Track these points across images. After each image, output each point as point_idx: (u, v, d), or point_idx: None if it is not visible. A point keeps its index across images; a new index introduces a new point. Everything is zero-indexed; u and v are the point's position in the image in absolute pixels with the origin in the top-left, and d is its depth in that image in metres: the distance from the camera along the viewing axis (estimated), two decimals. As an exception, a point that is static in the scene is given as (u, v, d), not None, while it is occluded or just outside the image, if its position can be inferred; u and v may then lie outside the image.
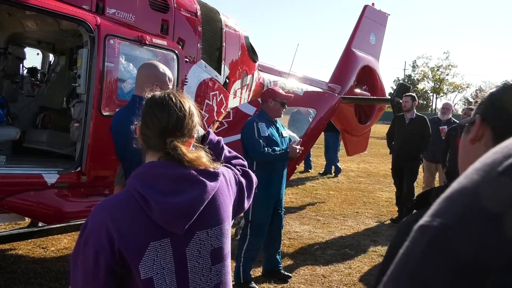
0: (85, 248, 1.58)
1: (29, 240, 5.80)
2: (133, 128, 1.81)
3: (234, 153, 2.23)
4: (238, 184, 1.98)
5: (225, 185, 1.84)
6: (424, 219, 0.60)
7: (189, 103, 1.80)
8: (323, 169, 13.68)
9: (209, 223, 1.75)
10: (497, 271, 0.52)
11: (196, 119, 1.80)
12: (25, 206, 4.44)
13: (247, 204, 2.04)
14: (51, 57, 6.91)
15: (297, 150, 5.04)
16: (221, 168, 1.82)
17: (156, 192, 1.61)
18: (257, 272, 5.51)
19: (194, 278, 1.71)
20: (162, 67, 3.46)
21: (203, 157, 1.73)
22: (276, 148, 4.99)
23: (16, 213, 4.57)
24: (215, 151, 1.99)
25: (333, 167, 13.52)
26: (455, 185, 0.60)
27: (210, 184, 1.71)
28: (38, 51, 6.80)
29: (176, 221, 1.63)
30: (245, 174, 2.07)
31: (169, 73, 3.46)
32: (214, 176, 1.75)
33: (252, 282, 5.14)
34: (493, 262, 0.53)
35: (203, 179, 1.70)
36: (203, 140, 2.05)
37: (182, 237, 1.67)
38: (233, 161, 2.13)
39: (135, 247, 1.59)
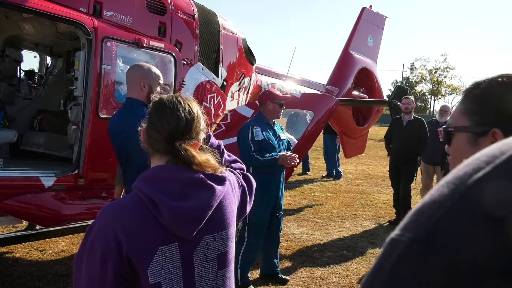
0: (91, 252, 1.54)
1: (27, 243, 5.78)
2: (139, 131, 1.79)
3: (234, 157, 2.23)
4: (241, 188, 1.98)
5: (231, 189, 1.84)
6: (395, 232, 0.60)
7: (196, 107, 1.80)
8: (326, 172, 13.67)
9: (216, 227, 1.75)
10: (470, 284, 0.53)
11: (203, 122, 1.80)
12: (22, 209, 4.43)
13: (249, 208, 2.04)
14: (49, 60, 6.91)
15: (288, 160, 5.02)
16: (226, 172, 1.82)
17: (166, 196, 1.59)
18: (255, 274, 5.50)
19: (201, 283, 1.69)
20: (147, 66, 3.53)
21: (211, 160, 1.72)
22: (266, 154, 4.97)
23: (13, 215, 4.56)
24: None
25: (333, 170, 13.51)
26: (427, 197, 0.60)
27: (218, 189, 1.71)
28: (36, 53, 6.80)
29: (186, 226, 1.62)
30: (245, 178, 2.07)
31: (156, 70, 3.50)
32: (221, 181, 1.75)
33: (250, 285, 5.14)
34: (466, 274, 0.53)
35: (212, 184, 1.69)
36: (205, 143, 2.04)
37: (190, 241, 1.66)
38: (233, 165, 2.13)
39: (144, 252, 1.56)
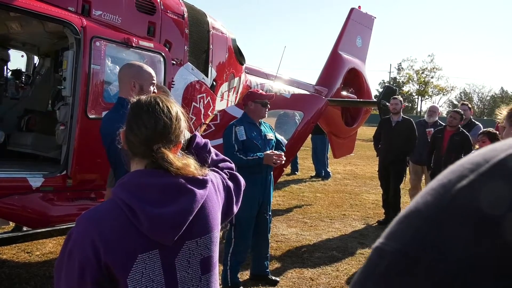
0: (70, 261, 1.52)
1: (14, 245, 5.71)
2: (119, 133, 1.75)
3: (222, 156, 2.18)
4: (226, 188, 1.93)
5: (214, 192, 1.80)
6: (380, 240, 0.59)
7: (176, 108, 1.75)
8: (314, 172, 13.67)
9: (198, 232, 1.71)
10: None
11: (183, 124, 1.75)
12: (9, 210, 4.38)
13: (236, 209, 2.00)
14: (36, 59, 6.83)
15: (273, 159, 4.95)
16: (209, 174, 1.77)
17: (144, 203, 1.55)
18: (245, 275, 5.49)
19: None
20: (139, 64, 3.47)
21: (191, 165, 1.67)
22: (250, 154, 4.95)
23: (0, 217, 4.50)
24: (202, 155, 1.95)
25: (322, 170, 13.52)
26: (412, 204, 0.59)
27: (199, 193, 1.66)
28: (23, 53, 6.71)
29: (165, 233, 1.59)
30: (233, 177, 2.02)
31: (148, 69, 3.43)
32: (202, 184, 1.70)
33: (241, 286, 5.12)
34: (453, 285, 0.51)
35: (192, 188, 1.65)
36: (190, 143, 1.98)
37: (171, 247, 1.62)
38: (221, 165, 2.08)
39: (123, 260, 1.53)
